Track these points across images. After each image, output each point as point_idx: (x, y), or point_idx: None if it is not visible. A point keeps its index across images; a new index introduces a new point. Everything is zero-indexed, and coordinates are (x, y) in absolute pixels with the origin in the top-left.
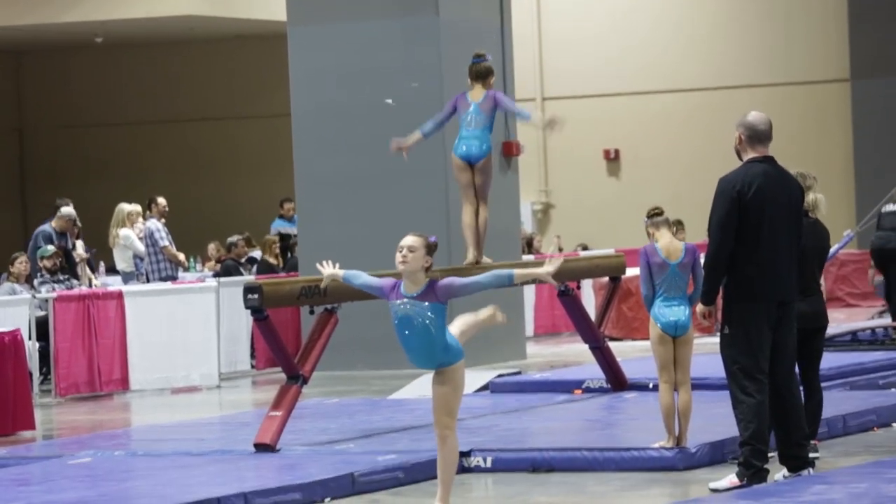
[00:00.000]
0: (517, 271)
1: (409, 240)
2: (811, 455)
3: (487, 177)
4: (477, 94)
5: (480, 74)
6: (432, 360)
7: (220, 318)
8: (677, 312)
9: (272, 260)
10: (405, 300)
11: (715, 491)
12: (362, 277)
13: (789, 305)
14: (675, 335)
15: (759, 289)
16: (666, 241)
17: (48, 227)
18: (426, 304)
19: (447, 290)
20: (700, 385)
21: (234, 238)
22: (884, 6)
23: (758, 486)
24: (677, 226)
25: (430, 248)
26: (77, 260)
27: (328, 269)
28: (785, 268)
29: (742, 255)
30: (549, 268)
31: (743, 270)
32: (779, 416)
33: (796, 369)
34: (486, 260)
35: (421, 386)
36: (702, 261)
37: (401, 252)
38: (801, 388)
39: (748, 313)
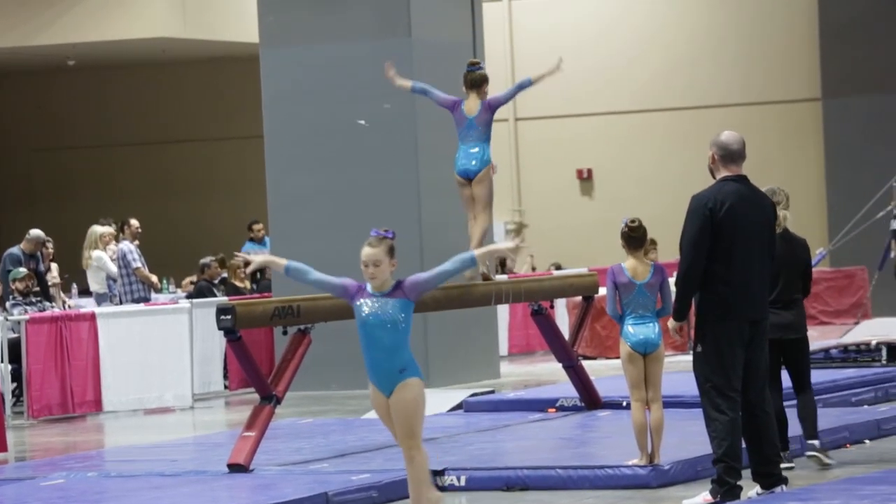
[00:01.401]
0: (477, 251)
1: (370, 254)
2: (812, 448)
3: (484, 187)
4: (472, 105)
5: (475, 83)
6: (394, 361)
7: (194, 339)
8: (646, 330)
9: (238, 283)
10: (373, 297)
11: None
12: (314, 274)
13: (761, 323)
14: (645, 353)
15: (731, 307)
16: (632, 263)
17: (17, 249)
18: (395, 300)
19: (415, 286)
20: (673, 403)
21: (207, 259)
22: (854, 26)
23: None
24: (649, 245)
25: (392, 251)
26: (50, 282)
27: (259, 257)
28: (757, 286)
29: (714, 274)
30: (510, 244)
31: (715, 289)
32: (751, 433)
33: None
34: (499, 276)
35: None
36: (671, 280)
37: (367, 269)
38: (800, 394)
39: (721, 331)
